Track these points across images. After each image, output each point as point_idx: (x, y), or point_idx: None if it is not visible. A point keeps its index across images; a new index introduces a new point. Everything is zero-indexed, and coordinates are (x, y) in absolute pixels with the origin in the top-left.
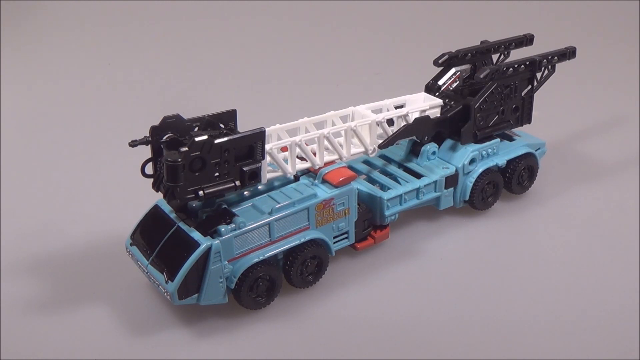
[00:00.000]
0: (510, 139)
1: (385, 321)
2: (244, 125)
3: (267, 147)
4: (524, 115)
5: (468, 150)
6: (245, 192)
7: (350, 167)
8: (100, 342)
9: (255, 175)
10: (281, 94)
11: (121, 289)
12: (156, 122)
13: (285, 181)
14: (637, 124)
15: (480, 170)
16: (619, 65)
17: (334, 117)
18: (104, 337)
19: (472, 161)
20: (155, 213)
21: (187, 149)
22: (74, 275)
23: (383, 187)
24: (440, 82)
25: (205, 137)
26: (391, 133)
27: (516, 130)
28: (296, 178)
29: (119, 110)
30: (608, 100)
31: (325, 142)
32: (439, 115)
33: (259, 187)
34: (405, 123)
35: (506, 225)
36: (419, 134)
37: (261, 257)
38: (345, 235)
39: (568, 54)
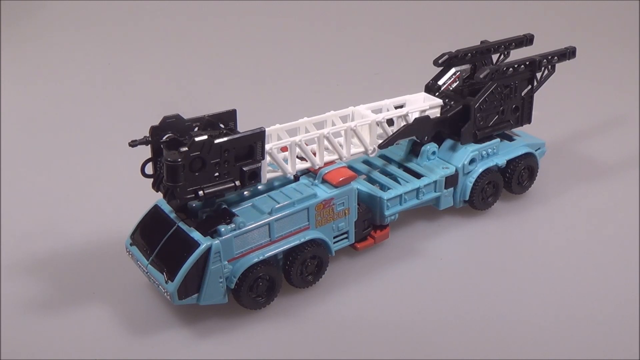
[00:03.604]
0: (510, 139)
1: (385, 321)
2: (244, 125)
3: (267, 147)
4: (524, 115)
5: (468, 150)
6: (245, 192)
7: (350, 167)
8: (100, 342)
9: (255, 175)
10: (281, 94)
11: (121, 289)
12: (156, 122)
13: (285, 181)
14: (637, 124)
15: (480, 170)
16: (619, 65)
17: (334, 117)
18: (104, 337)
19: (472, 161)
20: (155, 213)
21: (187, 149)
22: (74, 275)
23: (383, 187)
24: (440, 82)
25: (205, 137)
26: (391, 133)
27: (516, 130)
28: (296, 178)
29: (119, 110)
30: (608, 100)
31: (325, 142)
32: (439, 115)
33: (259, 187)
34: (405, 123)
35: (506, 225)
36: (419, 134)
37: (261, 257)
38: (345, 235)
39: (568, 54)
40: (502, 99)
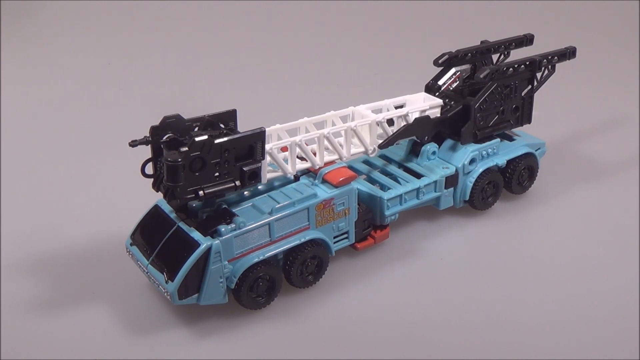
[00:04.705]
0: (510, 139)
1: (385, 321)
2: (244, 125)
3: (267, 147)
4: (524, 115)
5: (468, 150)
6: (245, 192)
7: (350, 167)
8: (100, 342)
9: (255, 175)
10: (281, 94)
11: (121, 289)
12: (156, 122)
13: (285, 181)
14: (637, 124)
15: (480, 170)
16: (619, 65)
17: (334, 117)
18: (104, 337)
19: (472, 161)
20: (155, 213)
21: (187, 149)
22: (74, 275)
23: (383, 187)
24: (440, 82)
25: (205, 137)
26: (391, 133)
27: (516, 130)
28: (296, 178)
29: (119, 110)
30: (608, 100)
31: (325, 142)
32: (439, 115)
33: (259, 187)
34: (405, 123)
35: (506, 225)
36: (419, 134)
37: (261, 257)
38: (346, 235)
39: (568, 54)
40: (502, 99)
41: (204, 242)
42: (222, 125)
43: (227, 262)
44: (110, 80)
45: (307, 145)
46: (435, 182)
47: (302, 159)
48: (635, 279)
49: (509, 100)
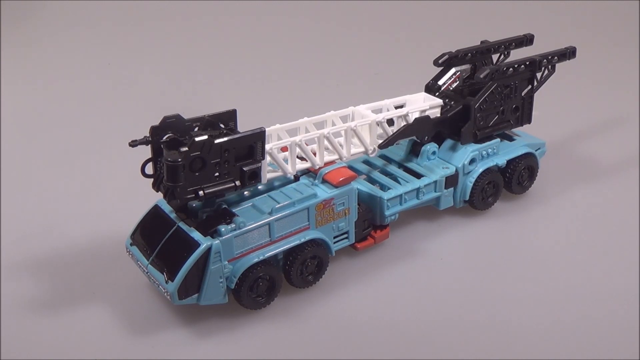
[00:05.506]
0: (510, 139)
1: (385, 321)
2: (244, 125)
3: (267, 147)
4: (524, 115)
5: (468, 150)
6: (245, 192)
7: (350, 167)
8: (100, 342)
9: (255, 175)
10: (281, 94)
11: (121, 289)
12: (156, 122)
13: (285, 181)
14: (637, 124)
15: (480, 170)
16: (619, 65)
17: (334, 117)
18: (104, 337)
19: (472, 161)
20: (155, 213)
21: (187, 149)
22: (74, 275)
23: (383, 187)
24: (440, 82)
25: (205, 137)
26: (391, 133)
27: (516, 130)
28: (296, 178)
29: (119, 110)
30: (608, 100)
31: (325, 142)
32: (439, 115)
33: (259, 187)
34: (405, 123)
35: (506, 225)
36: (419, 134)
37: (261, 257)
38: (346, 235)
39: (568, 54)
40: (502, 99)
41: (204, 242)
42: (222, 125)
43: (227, 262)
44: (110, 80)
45: (307, 145)
46: (435, 182)
47: (302, 159)
48: (635, 279)
49: (509, 100)
